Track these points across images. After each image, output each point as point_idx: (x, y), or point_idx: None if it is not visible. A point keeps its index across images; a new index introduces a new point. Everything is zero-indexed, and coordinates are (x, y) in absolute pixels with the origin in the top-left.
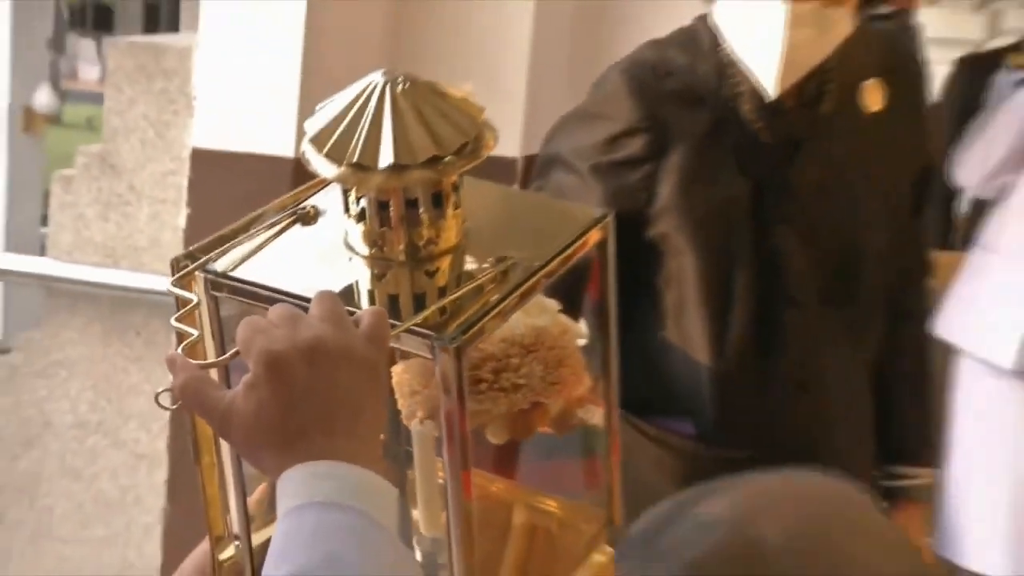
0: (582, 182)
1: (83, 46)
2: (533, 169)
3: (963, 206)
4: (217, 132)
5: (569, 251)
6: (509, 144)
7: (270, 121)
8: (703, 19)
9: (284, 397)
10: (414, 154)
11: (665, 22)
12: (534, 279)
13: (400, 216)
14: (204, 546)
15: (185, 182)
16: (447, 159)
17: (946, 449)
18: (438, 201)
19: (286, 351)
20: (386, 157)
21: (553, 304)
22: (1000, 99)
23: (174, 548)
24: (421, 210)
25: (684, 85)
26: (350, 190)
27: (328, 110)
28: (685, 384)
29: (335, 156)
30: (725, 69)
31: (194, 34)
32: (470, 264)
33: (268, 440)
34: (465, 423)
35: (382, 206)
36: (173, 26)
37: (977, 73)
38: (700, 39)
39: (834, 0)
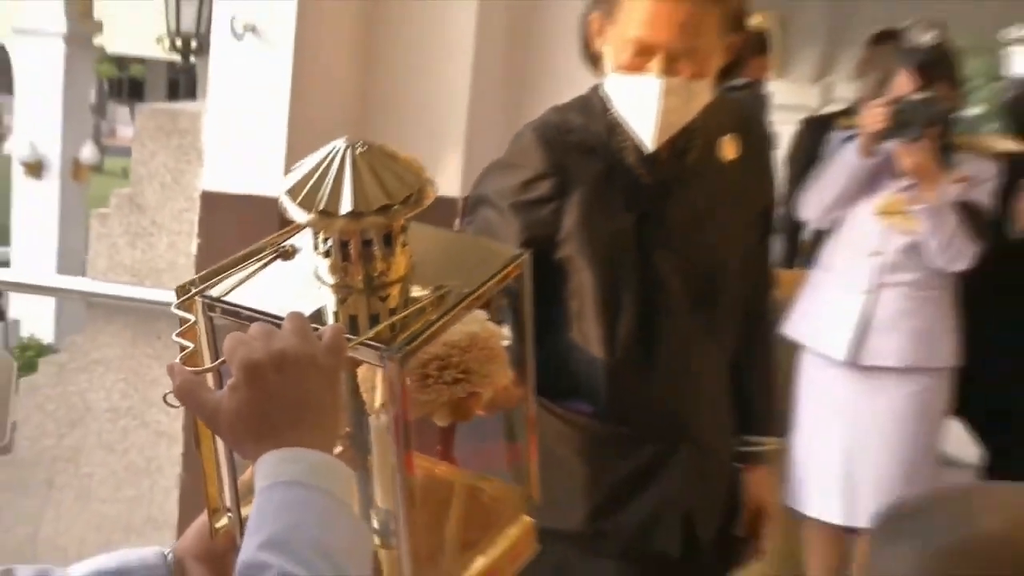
0: (503, 217)
1: (119, 111)
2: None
3: (806, 235)
4: (221, 178)
5: (492, 281)
6: (451, 186)
7: (262, 169)
8: (596, 89)
9: (259, 398)
10: (369, 203)
11: (569, 88)
12: (465, 303)
13: (358, 253)
14: (204, 516)
15: (196, 218)
16: (395, 207)
17: (793, 422)
18: (389, 241)
19: (261, 360)
20: (346, 206)
21: (482, 314)
22: (833, 152)
23: (188, 507)
24: (375, 248)
25: (582, 140)
26: (318, 232)
27: (300, 169)
28: (585, 374)
29: (306, 205)
30: (613, 128)
31: (203, 101)
32: (415, 291)
33: (247, 432)
34: (408, 415)
35: (344, 245)
36: (191, 94)
37: (816, 131)
38: (594, 104)
39: (695, 75)
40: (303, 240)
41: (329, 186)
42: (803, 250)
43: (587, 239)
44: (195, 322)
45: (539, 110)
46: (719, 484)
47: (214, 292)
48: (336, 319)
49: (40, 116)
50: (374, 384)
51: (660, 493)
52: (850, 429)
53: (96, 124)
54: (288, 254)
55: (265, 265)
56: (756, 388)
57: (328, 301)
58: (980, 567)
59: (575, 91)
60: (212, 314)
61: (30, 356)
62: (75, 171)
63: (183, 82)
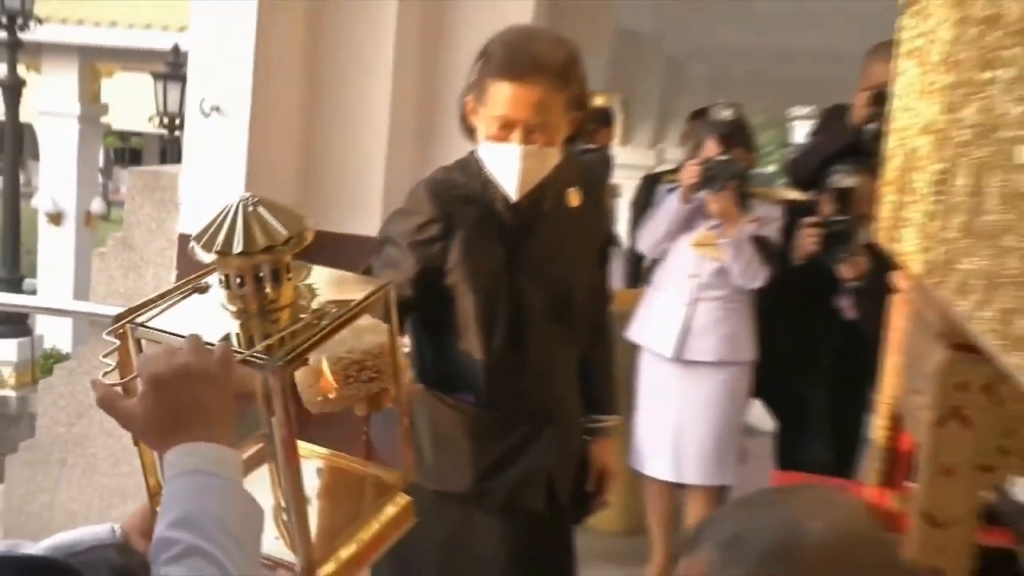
0: (403, 253)
1: (122, 174)
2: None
3: (645, 262)
4: (194, 223)
5: (359, 307)
6: (373, 228)
7: None
8: (472, 153)
9: (164, 404)
10: (256, 244)
11: (461, 146)
12: (337, 323)
13: (252, 285)
14: (146, 502)
15: (175, 254)
16: (279, 247)
17: (633, 404)
18: (276, 275)
19: (164, 374)
20: (238, 247)
21: (386, 326)
22: (661, 200)
23: None
24: (265, 281)
25: (463, 193)
26: (220, 269)
27: (207, 222)
28: (469, 372)
29: (207, 247)
30: (486, 183)
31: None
32: (299, 315)
33: (156, 433)
34: (290, 415)
35: (240, 279)
36: (178, 159)
37: (650, 185)
38: (471, 165)
39: (547, 143)
40: (214, 278)
41: (225, 232)
42: (643, 274)
43: (468, 269)
44: (119, 345)
45: (439, 163)
46: (574, 454)
47: (140, 319)
48: (238, 340)
49: (59, 178)
50: (308, 383)
51: (529, 462)
52: (677, 408)
53: (104, 184)
54: (202, 289)
55: (184, 298)
56: (600, 379)
57: (231, 325)
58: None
59: (466, 148)
60: (138, 336)
61: (50, 363)
62: (87, 220)
63: (171, 150)
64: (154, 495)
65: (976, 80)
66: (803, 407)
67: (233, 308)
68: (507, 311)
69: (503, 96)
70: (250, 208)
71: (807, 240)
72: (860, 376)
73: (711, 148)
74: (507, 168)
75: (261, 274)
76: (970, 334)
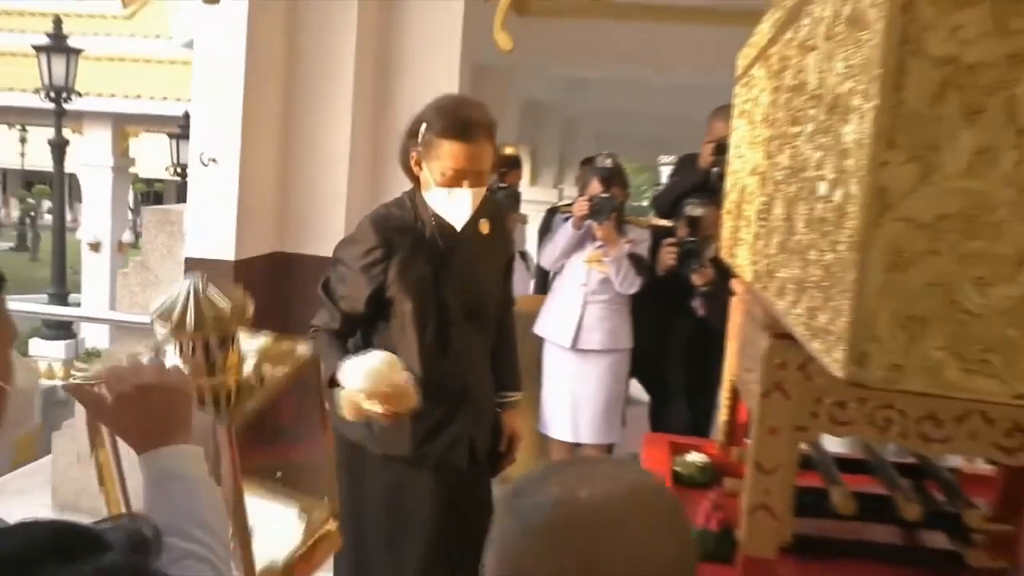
0: (355, 276)
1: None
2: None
3: (552, 276)
4: (196, 249)
5: (293, 370)
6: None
7: (220, 245)
8: (405, 193)
9: (143, 412)
10: (205, 321)
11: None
12: (276, 384)
13: (201, 353)
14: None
15: (182, 273)
16: (224, 320)
17: (540, 383)
18: (223, 344)
19: (129, 393)
20: (191, 324)
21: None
22: (558, 227)
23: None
24: (213, 348)
25: (399, 224)
26: (175, 339)
27: (165, 300)
28: (407, 361)
29: (163, 321)
30: (417, 215)
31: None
32: (242, 377)
33: (130, 434)
34: (236, 461)
35: (192, 346)
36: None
37: (551, 216)
38: (405, 202)
39: (480, 185)
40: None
41: (179, 310)
42: (550, 283)
43: (405, 283)
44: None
45: (386, 198)
46: (489, 422)
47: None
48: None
49: (98, 215)
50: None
51: (455, 430)
52: (573, 385)
53: (133, 219)
54: (160, 354)
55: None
56: (506, 364)
57: None
58: (578, 541)
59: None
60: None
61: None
62: (119, 247)
63: (184, 192)
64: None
65: (787, 133)
66: (667, 383)
67: (187, 371)
68: (435, 314)
69: (452, 152)
70: (200, 288)
71: (667, 256)
72: (710, 359)
73: (595, 187)
74: (459, 207)
75: (210, 343)
76: (786, 326)
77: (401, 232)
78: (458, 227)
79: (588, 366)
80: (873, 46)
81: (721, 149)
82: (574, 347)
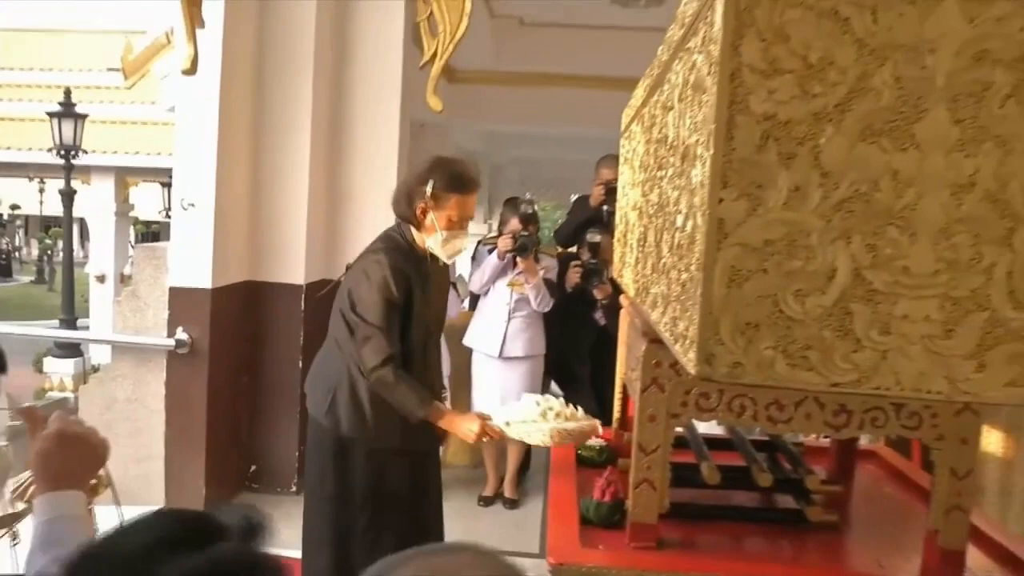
0: (386, 336)
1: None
2: (312, 290)
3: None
4: (179, 280)
5: None
6: (298, 277)
7: (198, 275)
8: (396, 231)
9: (47, 460)
10: None
11: (362, 206)
12: None
13: None
14: None
15: (167, 300)
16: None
17: (472, 385)
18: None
19: (48, 444)
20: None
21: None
22: (482, 257)
23: (170, 448)
24: None
25: (405, 254)
26: None
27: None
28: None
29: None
30: (408, 253)
31: None
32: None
33: (48, 469)
34: None
35: None
36: None
37: (478, 245)
38: (400, 240)
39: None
40: None
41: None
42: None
43: (412, 309)
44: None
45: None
46: None
47: None
48: None
49: (104, 252)
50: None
51: (429, 423)
52: (499, 387)
53: (132, 255)
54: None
55: None
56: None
57: None
58: None
59: (367, 207)
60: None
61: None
62: (121, 279)
63: None
64: None
65: (655, 176)
66: (577, 379)
67: None
68: (417, 326)
69: (458, 203)
70: None
71: (573, 275)
72: (608, 360)
73: (515, 224)
74: (455, 247)
75: None
76: (658, 333)
77: (409, 261)
78: (449, 263)
79: (512, 370)
80: (710, 106)
81: (609, 191)
82: (501, 355)
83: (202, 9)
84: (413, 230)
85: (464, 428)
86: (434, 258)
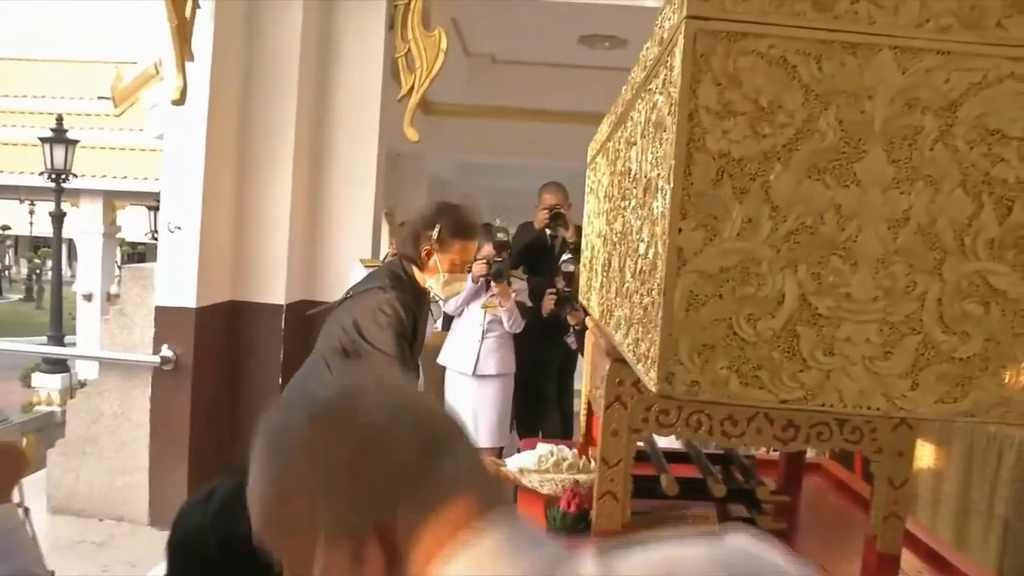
0: (394, 365)
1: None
2: (293, 310)
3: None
4: (165, 299)
5: None
6: (279, 297)
7: (183, 294)
8: (396, 267)
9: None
10: None
11: (337, 232)
12: None
13: None
14: None
15: (153, 319)
16: None
17: (444, 402)
18: None
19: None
20: None
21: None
22: None
23: (155, 460)
24: None
25: (411, 293)
26: None
27: None
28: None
29: None
30: (411, 280)
31: None
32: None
33: None
34: None
35: None
36: None
37: None
38: (402, 276)
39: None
40: None
41: None
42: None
43: (415, 338)
44: None
45: (329, 247)
46: None
47: None
48: None
49: (91, 271)
50: None
51: None
52: (473, 401)
53: (120, 275)
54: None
55: None
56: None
57: None
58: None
59: (346, 232)
60: None
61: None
62: (108, 298)
63: None
64: None
65: (620, 206)
66: (542, 398)
67: None
68: (412, 338)
69: (462, 248)
70: None
71: (549, 302)
72: (572, 379)
73: (488, 250)
74: (455, 287)
75: None
76: (622, 353)
77: (408, 292)
78: (448, 300)
79: (485, 387)
80: (670, 144)
81: (554, 215)
82: (474, 373)
83: (191, 43)
84: (415, 269)
85: None
86: (427, 291)
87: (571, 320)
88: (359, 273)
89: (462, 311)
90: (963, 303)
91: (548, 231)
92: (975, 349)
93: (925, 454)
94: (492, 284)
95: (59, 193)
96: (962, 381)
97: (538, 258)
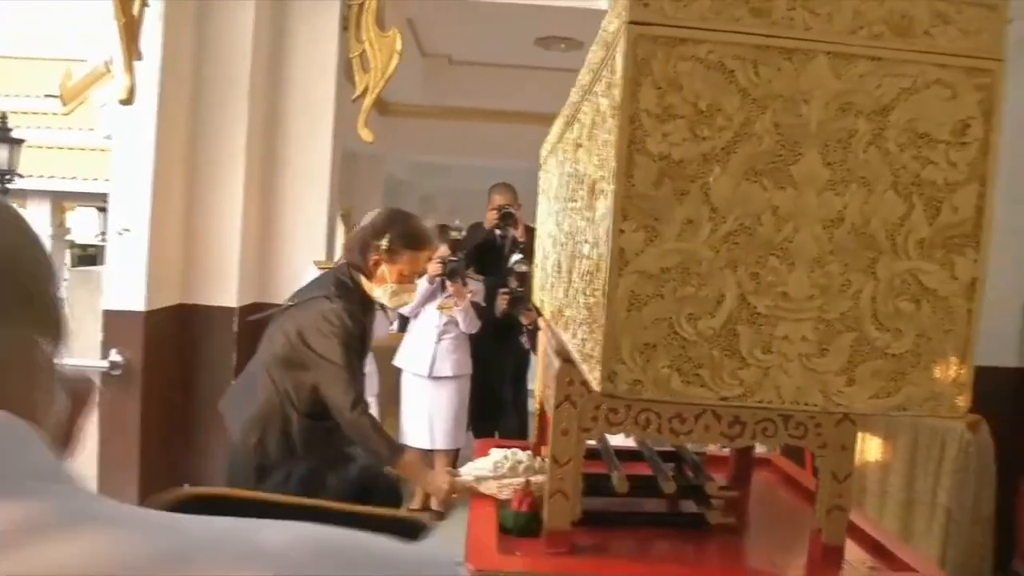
0: (351, 376)
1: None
2: (245, 312)
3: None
4: (113, 302)
5: None
6: (231, 300)
7: (132, 298)
8: (344, 276)
9: None
10: None
11: (291, 237)
12: None
13: None
14: None
15: (100, 322)
16: None
17: (400, 403)
18: None
19: None
20: None
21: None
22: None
23: (105, 468)
24: None
25: (357, 301)
26: None
27: None
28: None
29: None
30: (357, 288)
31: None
32: None
33: None
34: None
35: None
36: None
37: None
38: (349, 285)
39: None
40: None
41: None
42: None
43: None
44: None
45: (282, 248)
46: None
47: None
48: None
49: None
50: None
51: None
52: (429, 403)
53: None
54: None
55: None
56: None
57: None
58: None
59: (299, 233)
60: None
61: None
62: None
63: None
64: None
65: (568, 207)
66: (499, 399)
67: None
68: (361, 347)
69: (413, 259)
70: None
71: (502, 302)
72: (526, 380)
73: (443, 250)
74: (405, 297)
75: None
76: (570, 353)
77: (355, 303)
78: (398, 310)
79: (441, 389)
80: (612, 146)
81: (503, 215)
82: (430, 375)
83: (139, 42)
84: (362, 277)
85: (434, 485)
86: (373, 300)
87: (524, 320)
88: (313, 275)
89: (418, 312)
90: (896, 301)
91: (498, 231)
92: (907, 345)
93: (872, 448)
94: (447, 284)
95: (4, 194)
96: (895, 376)
97: (488, 258)
